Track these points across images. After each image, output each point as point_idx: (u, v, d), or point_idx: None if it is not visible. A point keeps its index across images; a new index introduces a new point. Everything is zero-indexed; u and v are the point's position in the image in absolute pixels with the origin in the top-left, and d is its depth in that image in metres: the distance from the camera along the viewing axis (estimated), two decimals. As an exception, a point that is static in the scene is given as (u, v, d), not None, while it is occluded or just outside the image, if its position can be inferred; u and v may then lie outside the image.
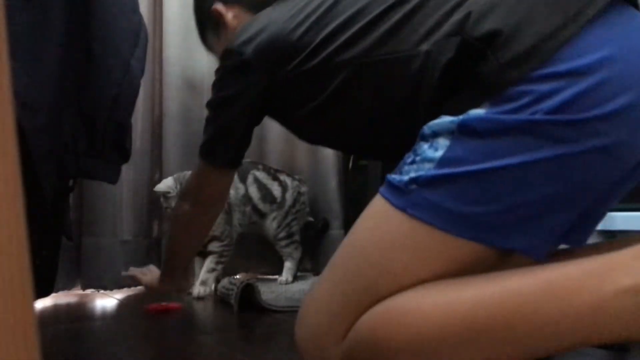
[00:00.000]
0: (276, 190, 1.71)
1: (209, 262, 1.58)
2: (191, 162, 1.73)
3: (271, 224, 1.69)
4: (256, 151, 1.88)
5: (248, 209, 1.67)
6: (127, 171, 1.59)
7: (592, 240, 1.06)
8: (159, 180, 1.74)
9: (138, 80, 1.02)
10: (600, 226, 1.04)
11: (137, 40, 1.00)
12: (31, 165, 0.79)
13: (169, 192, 1.53)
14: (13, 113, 0.30)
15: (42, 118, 0.82)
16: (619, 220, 1.01)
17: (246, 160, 1.77)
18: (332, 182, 1.92)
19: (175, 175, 1.56)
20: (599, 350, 0.83)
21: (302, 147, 1.94)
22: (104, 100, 0.96)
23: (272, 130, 1.87)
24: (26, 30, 0.79)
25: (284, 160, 1.88)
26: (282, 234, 1.69)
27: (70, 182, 1.00)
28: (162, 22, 1.74)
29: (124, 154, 1.02)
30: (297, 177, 1.79)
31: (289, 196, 1.72)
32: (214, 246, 1.59)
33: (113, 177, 1.01)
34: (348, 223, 1.87)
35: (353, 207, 1.84)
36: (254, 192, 1.68)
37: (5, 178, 0.29)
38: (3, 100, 0.29)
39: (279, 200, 1.70)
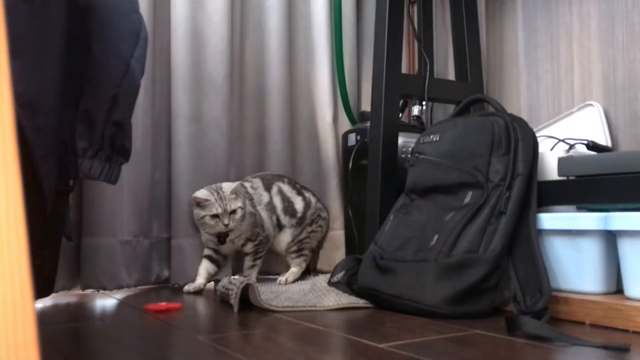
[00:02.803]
0: (299, 204, 1.74)
1: (247, 261, 1.65)
2: (200, 162, 1.74)
3: (285, 237, 1.71)
4: (256, 151, 1.88)
5: (273, 217, 1.70)
6: (127, 171, 1.59)
7: (595, 241, 1.06)
8: (159, 180, 1.74)
9: (138, 80, 1.02)
10: (600, 226, 1.04)
11: (137, 40, 1.00)
12: (31, 165, 0.80)
13: (207, 200, 1.54)
14: (13, 113, 0.30)
15: (42, 118, 0.82)
16: (619, 220, 1.01)
17: (272, 173, 1.79)
18: (332, 182, 1.93)
19: (207, 187, 1.59)
20: (599, 350, 0.83)
21: (302, 148, 1.94)
22: (104, 100, 0.96)
23: (272, 130, 1.87)
24: (26, 30, 0.79)
25: (284, 161, 1.88)
26: (293, 248, 1.71)
27: (70, 182, 1.00)
28: (170, 23, 1.74)
29: (124, 154, 1.02)
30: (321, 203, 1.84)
31: (309, 214, 1.75)
32: (248, 248, 1.64)
33: (113, 177, 1.01)
34: (348, 223, 1.87)
35: (353, 207, 1.84)
36: (277, 202, 1.71)
37: (5, 178, 0.29)
38: (3, 100, 0.29)
39: (299, 214, 1.73)
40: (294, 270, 1.69)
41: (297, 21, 1.96)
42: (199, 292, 1.57)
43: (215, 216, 1.54)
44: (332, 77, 1.95)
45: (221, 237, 1.60)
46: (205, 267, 1.63)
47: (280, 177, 1.77)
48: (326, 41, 1.94)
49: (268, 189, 1.72)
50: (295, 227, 1.72)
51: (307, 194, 1.78)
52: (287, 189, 1.75)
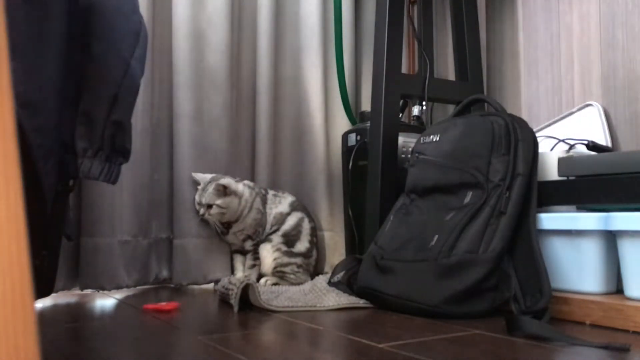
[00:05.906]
0: (304, 246, 1.72)
1: (248, 260, 1.69)
2: (202, 161, 1.74)
3: (267, 255, 1.68)
4: (249, 150, 1.88)
5: (276, 231, 1.69)
6: (127, 171, 1.59)
7: (595, 241, 1.06)
8: (159, 180, 1.74)
9: (138, 80, 1.02)
10: (600, 226, 1.04)
11: (137, 40, 1.00)
12: (31, 165, 0.79)
13: (198, 185, 1.66)
14: (13, 113, 0.30)
15: (42, 118, 0.82)
16: (619, 220, 1.01)
17: (306, 207, 1.78)
18: (320, 184, 1.90)
19: (213, 174, 1.68)
20: (599, 350, 0.83)
21: (292, 149, 1.94)
22: (104, 100, 0.96)
23: (261, 131, 1.87)
24: (26, 30, 0.79)
25: (271, 161, 1.88)
26: (277, 274, 1.67)
27: (70, 182, 1.00)
28: (171, 23, 1.74)
29: (124, 154, 1.02)
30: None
31: (307, 262, 1.73)
32: (247, 245, 1.69)
33: (113, 177, 1.01)
34: (348, 223, 1.87)
35: (353, 207, 1.83)
36: (290, 222, 1.71)
37: (5, 178, 0.29)
38: (3, 100, 0.29)
39: (295, 251, 1.69)
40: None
41: (289, 21, 1.96)
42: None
43: (196, 202, 1.65)
44: (323, 77, 1.94)
45: (224, 227, 1.67)
46: (239, 261, 1.71)
47: (309, 215, 1.78)
48: (318, 42, 1.93)
49: (292, 207, 1.73)
50: (283, 255, 1.67)
51: (314, 249, 1.76)
52: (307, 225, 1.74)
